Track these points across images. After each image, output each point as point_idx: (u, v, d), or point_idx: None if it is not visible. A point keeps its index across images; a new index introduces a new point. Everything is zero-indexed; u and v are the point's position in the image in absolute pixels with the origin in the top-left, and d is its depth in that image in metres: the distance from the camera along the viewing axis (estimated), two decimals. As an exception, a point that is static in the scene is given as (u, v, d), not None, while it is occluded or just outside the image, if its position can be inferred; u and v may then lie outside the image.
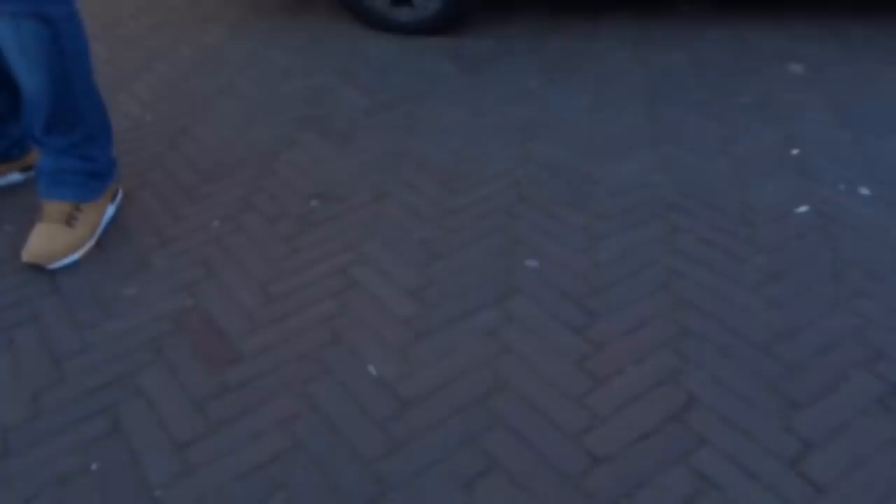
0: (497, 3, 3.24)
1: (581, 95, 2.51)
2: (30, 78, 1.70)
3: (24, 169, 2.10)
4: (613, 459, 1.34)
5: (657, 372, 1.50)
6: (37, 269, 1.80)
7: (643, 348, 1.55)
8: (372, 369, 1.52)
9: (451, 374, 1.51)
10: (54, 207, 1.85)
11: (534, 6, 3.21)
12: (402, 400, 1.45)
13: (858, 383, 1.47)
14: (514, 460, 1.34)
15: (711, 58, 2.74)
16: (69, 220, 1.83)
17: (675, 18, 3.07)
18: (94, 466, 1.34)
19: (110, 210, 1.97)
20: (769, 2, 3.18)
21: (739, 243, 1.83)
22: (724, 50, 2.80)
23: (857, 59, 2.68)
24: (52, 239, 1.80)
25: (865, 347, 1.55)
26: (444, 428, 1.40)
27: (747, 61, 2.70)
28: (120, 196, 2.02)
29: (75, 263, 1.81)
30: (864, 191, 2.01)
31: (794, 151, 2.19)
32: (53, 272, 1.79)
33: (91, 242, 1.87)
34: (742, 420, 1.40)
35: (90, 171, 1.87)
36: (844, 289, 1.70)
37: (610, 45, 2.86)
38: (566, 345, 1.56)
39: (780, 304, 1.66)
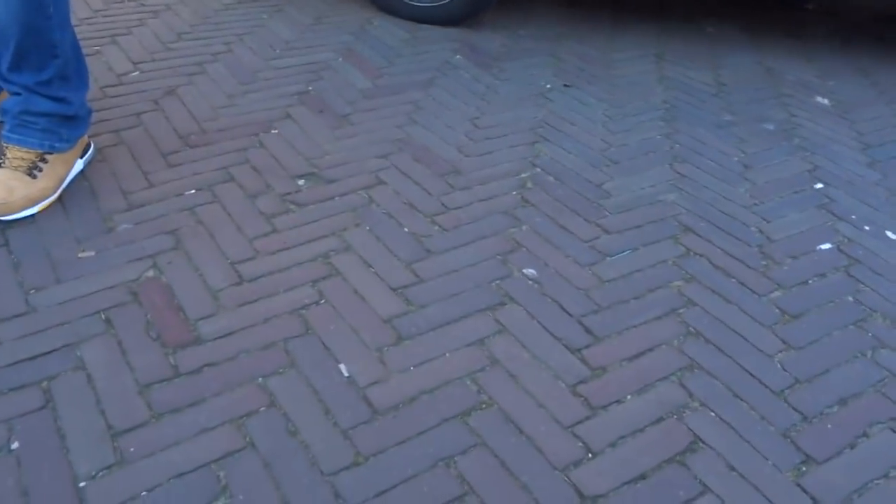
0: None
1: (596, 104, 2.36)
2: None
3: (-10, 110, 1.93)
4: (603, 499, 1.18)
5: (660, 406, 1.35)
6: (-12, 218, 1.63)
7: (646, 378, 1.40)
8: (343, 369, 1.36)
9: (430, 384, 1.35)
10: (17, 154, 1.68)
11: (550, 9, 3.07)
12: (374, 407, 1.29)
13: (879, 443, 1.32)
14: (491, 489, 1.18)
15: (734, 81, 2.61)
16: (32, 170, 1.66)
17: (698, 38, 2.93)
18: (15, 445, 1.17)
19: (79, 164, 1.80)
20: (797, 33, 3.05)
21: (756, 275, 1.69)
22: (747, 75, 2.66)
23: (888, 102, 2.56)
24: (11, 189, 1.63)
25: (887, 404, 1.40)
26: (418, 444, 1.24)
27: (772, 89, 2.57)
28: (91, 151, 1.85)
29: (32, 217, 1.64)
30: (892, 235, 1.87)
31: (818, 186, 2.05)
32: (6, 224, 1.62)
33: (53, 197, 1.70)
34: (750, 471, 1.25)
35: (62, 115, 1.69)
36: (866, 337, 1.56)
37: (629, 56, 2.72)
38: (561, 365, 1.41)
39: (798, 346, 1.51)
